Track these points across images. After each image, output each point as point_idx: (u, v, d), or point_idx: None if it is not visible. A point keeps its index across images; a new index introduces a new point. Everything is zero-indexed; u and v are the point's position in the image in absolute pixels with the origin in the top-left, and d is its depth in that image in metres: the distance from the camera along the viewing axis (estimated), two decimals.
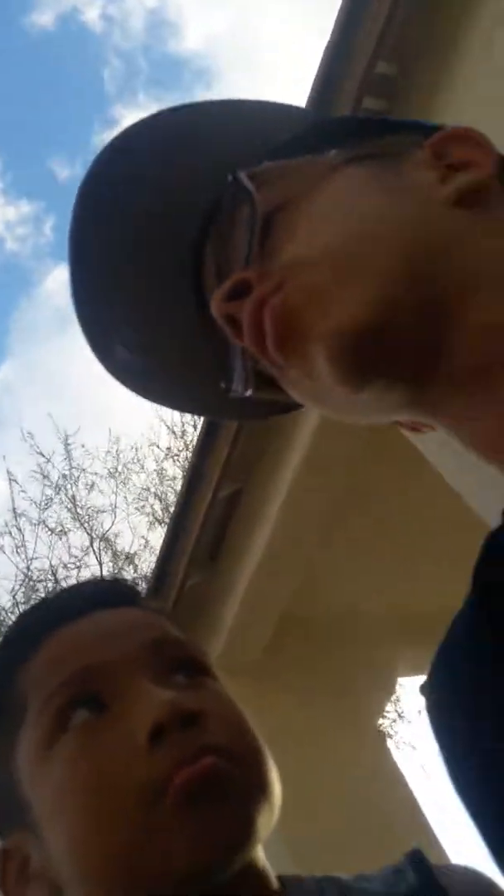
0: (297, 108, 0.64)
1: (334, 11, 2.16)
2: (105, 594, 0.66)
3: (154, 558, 10.50)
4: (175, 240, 0.58)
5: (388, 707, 8.02)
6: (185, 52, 17.90)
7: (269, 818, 0.55)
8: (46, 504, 10.96)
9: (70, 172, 17.80)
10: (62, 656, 0.59)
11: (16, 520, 10.86)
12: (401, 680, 4.03)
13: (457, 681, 0.44)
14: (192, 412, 0.65)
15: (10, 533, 10.83)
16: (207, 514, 3.30)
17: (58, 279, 17.87)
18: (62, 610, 0.64)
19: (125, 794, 0.51)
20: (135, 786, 0.51)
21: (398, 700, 8.59)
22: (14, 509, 10.89)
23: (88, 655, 0.58)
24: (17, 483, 10.89)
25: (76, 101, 18.70)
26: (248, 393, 0.57)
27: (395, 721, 9.01)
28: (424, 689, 0.46)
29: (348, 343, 0.46)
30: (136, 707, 0.54)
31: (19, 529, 10.84)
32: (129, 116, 17.68)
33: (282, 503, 3.12)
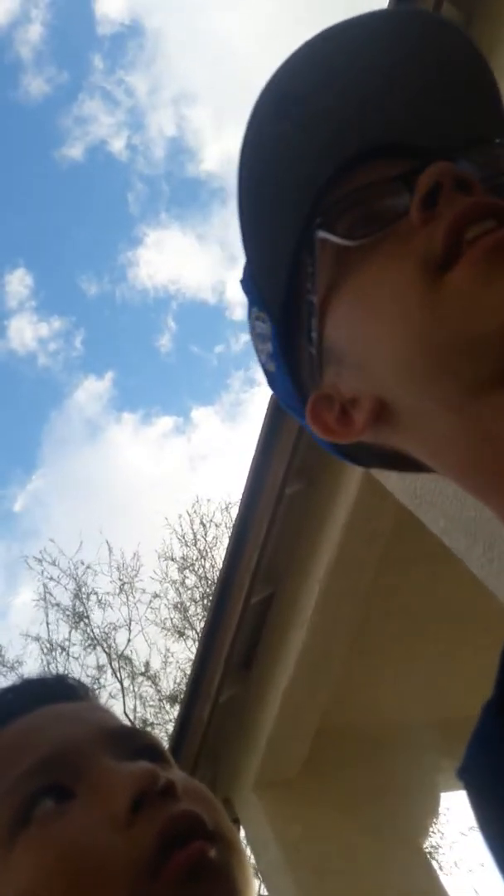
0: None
1: None
2: (55, 688, 0.64)
3: (175, 673, 10.29)
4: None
5: (434, 824, 7.59)
6: (202, 173, 19.09)
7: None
8: (71, 626, 10.91)
9: (98, 289, 18.70)
10: (17, 747, 0.55)
11: (41, 646, 10.81)
12: (446, 795, 3.84)
13: (494, 765, 0.44)
14: (259, 232, 0.59)
15: (39, 659, 10.77)
16: (240, 622, 3.27)
17: (89, 390, 18.46)
18: (15, 704, 0.61)
19: (111, 876, 0.48)
20: (122, 866, 0.48)
21: (443, 816, 8.15)
22: (50, 640, 10.86)
23: (48, 743, 0.55)
24: (50, 604, 10.89)
25: (103, 222, 19.88)
26: (329, 240, 0.55)
27: (440, 840, 8.53)
28: (462, 775, 0.47)
29: None
30: (108, 784, 0.51)
31: (46, 654, 10.76)
32: (152, 235, 18.74)
33: (314, 607, 3.09)
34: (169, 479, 17.53)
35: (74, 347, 18.39)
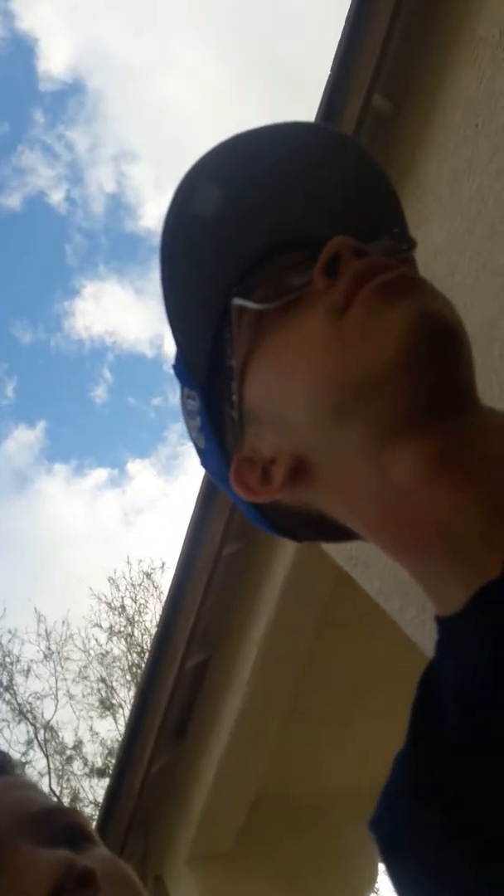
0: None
1: None
2: None
3: (101, 749, 9.89)
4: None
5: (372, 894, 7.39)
6: (141, 229, 19.36)
7: None
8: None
9: (32, 337, 18.58)
10: None
11: None
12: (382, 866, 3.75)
13: (400, 819, 0.44)
14: (182, 308, 0.63)
15: None
16: (175, 687, 3.18)
17: (19, 440, 18.14)
18: None
19: None
20: None
21: (380, 888, 7.96)
22: None
23: None
24: None
25: (39, 272, 19.88)
26: (247, 306, 0.60)
27: None
28: (372, 827, 0.46)
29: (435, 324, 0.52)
30: (26, 875, 0.50)
31: None
32: (90, 286, 18.84)
33: (251, 671, 3.04)
34: (102, 532, 17.25)
35: (5, 395, 18.17)
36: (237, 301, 0.61)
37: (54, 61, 21.97)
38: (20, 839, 0.52)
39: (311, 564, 2.70)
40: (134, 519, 18.89)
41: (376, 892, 8.14)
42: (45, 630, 11.20)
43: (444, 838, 0.40)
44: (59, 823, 0.56)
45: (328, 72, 2.25)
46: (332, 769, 3.38)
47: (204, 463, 0.69)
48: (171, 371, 0.68)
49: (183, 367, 0.65)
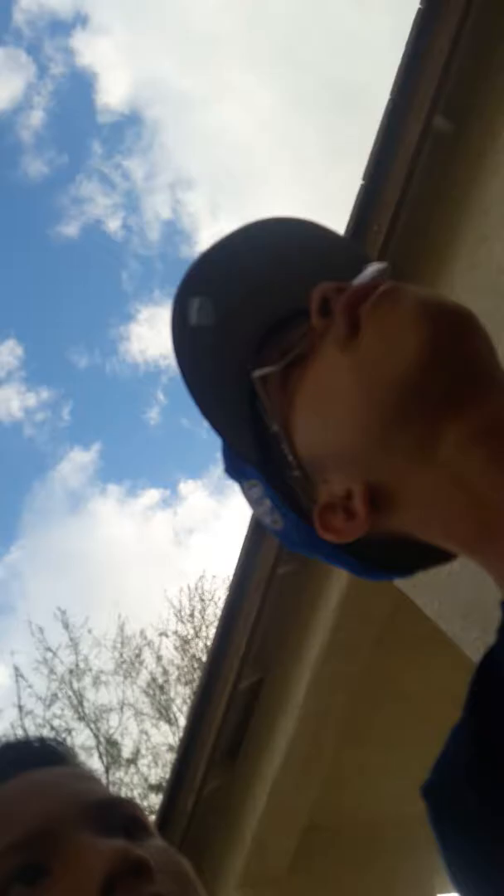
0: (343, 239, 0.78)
1: (343, 219, 2.39)
2: (36, 753, 0.63)
3: (154, 760, 9.90)
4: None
5: None
6: (195, 255, 19.71)
7: None
8: (51, 701, 10.59)
9: (88, 361, 18.98)
10: (2, 818, 0.55)
11: (21, 719, 10.46)
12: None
13: (456, 791, 0.46)
14: (212, 404, 0.68)
15: (15, 734, 10.37)
16: (227, 709, 3.17)
17: (74, 461, 18.50)
18: None
19: None
20: None
21: None
22: (20, 706, 10.51)
23: (22, 822, 0.54)
24: (24, 679, 10.58)
25: (96, 298, 20.37)
26: (270, 372, 0.65)
27: None
28: (425, 794, 0.48)
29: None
30: (81, 863, 0.51)
31: (24, 729, 10.40)
32: (145, 311, 19.23)
33: (304, 693, 3.01)
34: (154, 552, 17.38)
35: (62, 418, 18.57)
36: (256, 374, 0.65)
37: (113, 94, 22.67)
38: (78, 828, 0.53)
39: (368, 584, 2.67)
40: (185, 539, 18.98)
41: None
42: (122, 637, 11.25)
43: (499, 808, 0.42)
44: (117, 814, 0.57)
45: (388, 94, 2.26)
46: (389, 795, 3.31)
47: (288, 541, 0.71)
48: (226, 476, 0.72)
49: (234, 461, 0.70)
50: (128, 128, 21.42)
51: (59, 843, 0.52)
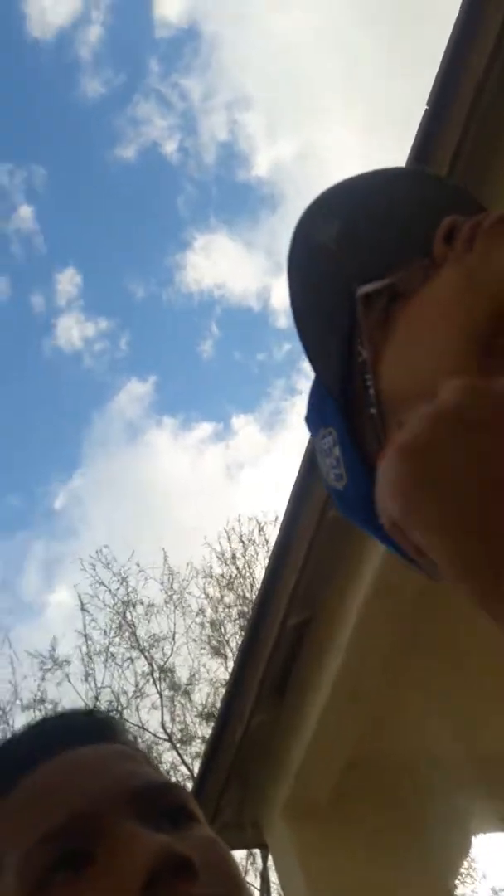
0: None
1: (402, 149, 2.30)
2: (82, 729, 0.61)
3: (209, 688, 10.23)
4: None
5: (464, 869, 7.37)
6: (252, 179, 19.37)
7: None
8: (116, 633, 10.97)
9: (145, 291, 19.01)
10: (40, 802, 0.54)
11: (87, 647, 10.87)
12: (477, 837, 3.70)
13: None
14: (309, 316, 0.69)
15: (82, 660, 10.84)
16: (276, 645, 3.23)
17: (131, 392, 18.77)
18: (37, 747, 0.58)
19: None
20: None
21: (473, 860, 7.91)
22: (86, 635, 10.92)
23: (69, 803, 0.52)
24: (89, 612, 10.97)
25: (153, 224, 20.26)
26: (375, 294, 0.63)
27: (468, 881, 8.28)
28: None
29: None
30: (125, 855, 0.49)
31: (90, 657, 10.82)
32: (201, 239, 19.07)
33: (351, 633, 3.04)
34: (206, 485, 17.61)
35: (119, 348, 18.69)
36: (360, 290, 0.63)
37: (171, 7, 21.85)
38: (124, 814, 0.52)
39: None
40: (237, 473, 19.14)
41: (470, 864, 8.10)
42: (170, 570, 11.56)
43: None
44: (163, 800, 0.55)
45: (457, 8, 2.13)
46: (430, 737, 3.35)
47: (345, 507, 0.68)
48: (304, 424, 0.70)
49: (316, 404, 0.68)
50: (186, 43, 20.74)
51: (104, 829, 0.51)
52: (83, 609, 11.14)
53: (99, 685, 10.80)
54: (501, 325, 0.54)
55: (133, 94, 19.93)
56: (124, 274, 20.72)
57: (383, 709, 3.18)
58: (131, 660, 11.00)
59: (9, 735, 0.65)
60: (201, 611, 11.29)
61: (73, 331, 19.68)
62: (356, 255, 0.66)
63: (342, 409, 0.64)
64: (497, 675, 3.14)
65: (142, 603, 11.36)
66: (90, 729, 0.61)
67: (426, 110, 2.19)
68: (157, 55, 20.83)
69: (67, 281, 19.36)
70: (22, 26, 17.75)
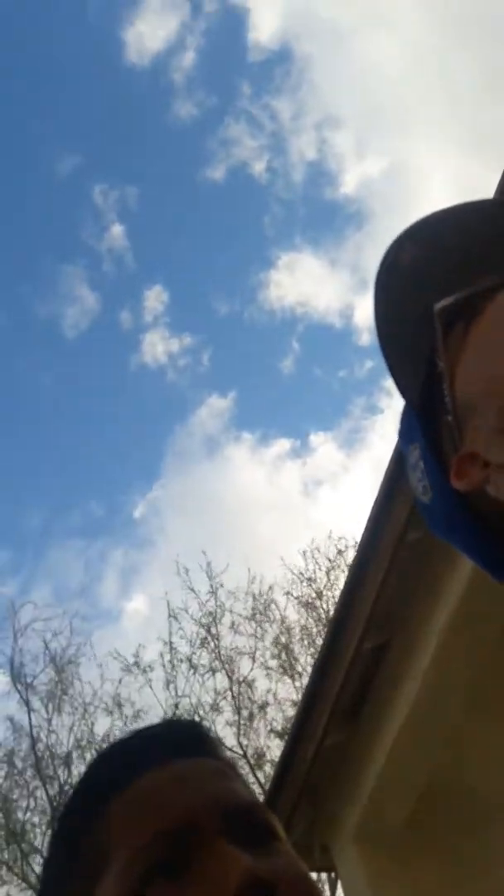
0: None
1: (493, 174, 2.26)
2: (185, 742, 0.64)
3: (278, 708, 10.12)
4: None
5: None
6: (340, 197, 19.43)
7: None
8: (201, 644, 11.07)
9: (228, 308, 19.26)
10: (144, 811, 0.57)
11: (171, 654, 11.01)
12: None
13: None
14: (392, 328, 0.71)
15: (164, 667, 10.97)
16: (351, 666, 3.20)
17: (212, 407, 19.03)
18: (143, 757, 0.62)
19: None
20: None
21: None
22: (171, 643, 11.06)
23: (169, 815, 0.56)
24: (177, 620, 11.10)
25: (238, 243, 20.55)
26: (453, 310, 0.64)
27: None
28: None
29: None
30: (214, 872, 0.52)
31: (173, 665, 10.96)
32: (285, 258, 19.19)
33: (430, 659, 2.98)
34: (282, 501, 17.59)
35: (202, 364, 18.99)
36: (438, 304, 0.64)
37: (264, 30, 22.23)
38: (218, 831, 0.55)
39: None
40: (313, 490, 19.08)
41: None
42: (255, 591, 11.61)
43: None
44: (253, 820, 0.58)
45: None
46: None
47: (432, 520, 0.70)
48: (399, 442, 0.72)
49: (407, 420, 0.70)
50: (277, 65, 21.07)
51: (200, 843, 0.54)
52: (171, 616, 11.29)
53: (179, 694, 10.92)
54: None
55: (224, 115, 20.30)
56: (209, 292, 21.09)
57: (462, 738, 3.10)
58: (212, 671, 11.07)
59: (118, 739, 0.70)
60: (279, 636, 11.25)
61: (158, 346, 20.17)
62: (435, 275, 0.68)
63: (423, 422, 0.66)
64: None
65: (229, 612, 11.42)
66: (194, 742, 0.64)
67: None
68: (248, 77, 21.23)
69: (155, 298, 19.92)
70: (120, 53, 18.40)
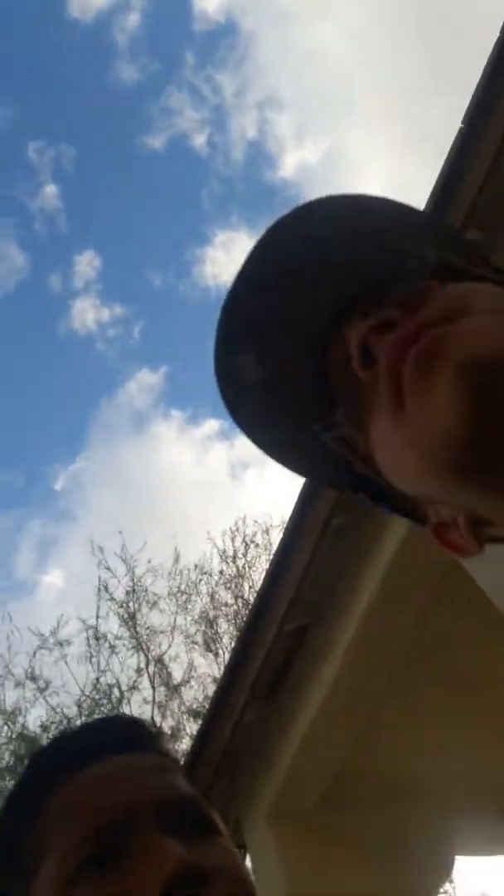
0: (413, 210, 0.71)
1: (430, 167, 2.25)
2: (125, 737, 0.66)
3: (198, 686, 10.23)
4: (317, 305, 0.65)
5: (444, 890, 7.37)
6: (278, 180, 19.27)
7: None
8: (121, 622, 11.02)
9: (162, 282, 18.92)
10: (76, 810, 0.59)
11: (89, 633, 10.93)
12: (458, 858, 3.68)
13: None
14: (285, 455, 0.69)
15: (88, 642, 10.90)
16: (273, 646, 3.21)
17: (141, 382, 18.74)
18: (83, 752, 0.63)
19: None
20: None
21: (453, 882, 7.91)
22: (97, 617, 10.97)
23: (102, 812, 0.58)
24: (108, 592, 11.02)
25: (175, 215, 20.18)
26: (337, 434, 0.63)
27: None
28: None
29: (479, 365, 0.49)
30: (146, 863, 0.54)
31: (96, 640, 10.89)
32: (221, 235, 18.96)
33: (348, 645, 3.02)
34: (208, 482, 17.56)
35: (132, 337, 18.60)
36: (324, 437, 0.64)
37: (211, 0, 21.74)
38: (153, 823, 0.56)
39: (421, 547, 2.62)
40: (241, 473, 19.07)
41: (451, 884, 8.09)
42: (177, 569, 11.57)
43: None
44: (191, 813, 0.59)
45: (496, 25, 2.09)
46: (421, 756, 3.33)
47: None
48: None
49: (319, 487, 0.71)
50: (222, 38, 20.51)
51: (134, 835, 0.56)
52: (101, 590, 11.19)
53: (101, 669, 10.87)
54: (460, 472, 0.52)
55: (167, 83, 19.75)
56: (143, 262, 20.63)
57: (377, 723, 3.16)
58: (133, 649, 11.05)
59: (58, 735, 0.73)
60: (204, 613, 11.29)
61: (88, 314, 19.65)
62: (289, 385, 0.65)
63: (370, 497, 0.66)
64: (490, 704, 3.12)
65: (145, 591, 11.40)
66: (134, 738, 0.66)
67: (460, 128, 2.14)
68: (193, 47, 20.69)
69: (87, 263, 19.34)
70: (63, 4, 17.67)
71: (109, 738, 0.65)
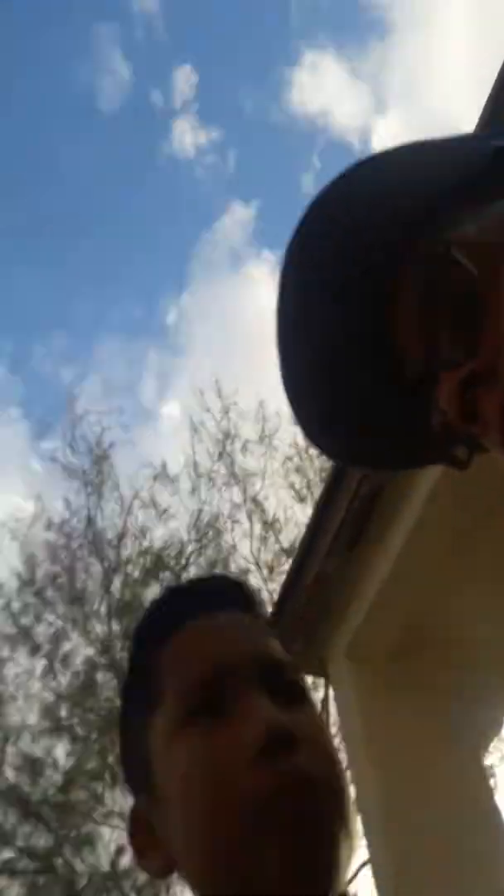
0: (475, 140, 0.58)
1: None
2: (228, 596, 0.70)
3: (295, 532, 10.52)
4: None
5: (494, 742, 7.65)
6: None
7: (349, 854, 0.60)
8: (219, 457, 11.46)
9: (254, 104, 17.68)
10: (198, 651, 0.64)
11: (194, 469, 11.48)
12: None
13: None
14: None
15: (189, 475, 11.47)
16: (349, 507, 3.23)
17: (234, 215, 18.07)
18: (200, 601, 0.68)
19: (230, 803, 0.57)
20: (239, 798, 0.56)
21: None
22: (193, 454, 11.49)
23: (219, 658, 0.63)
24: (204, 428, 11.42)
25: (264, 29, 18.80)
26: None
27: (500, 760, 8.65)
28: None
29: None
30: (248, 719, 0.58)
31: (198, 475, 11.44)
32: (309, 55, 17.27)
33: (423, 502, 2.99)
34: None
35: (227, 166, 17.87)
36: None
37: None
38: (252, 681, 0.61)
39: None
40: None
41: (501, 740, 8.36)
42: (263, 415, 11.69)
43: None
44: (285, 677, 0.64)
45: None
46: (482, 616, 3.33)
47: None
48: None
49: None
50: None
51: (235, 690, 0.61)
52: (194, 430, 11.59)
53: (203, 501, 11.48)
54: None
55: None
56: (236, 80, 19.49)
57: (443, 581, 3.17)
58: (229, 485, 11.50)
59: (172, 587, 0.79)
60: (288, 458, 11.40)
61: (187, 136, 18.92)
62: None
63: None
64: None
65: (238, 436, 11.65)
66: (236, 597, 0.70)
67: None
68: None
69: (184, 80, 18.29)
70: None
71: (225, 594, 0.70)
